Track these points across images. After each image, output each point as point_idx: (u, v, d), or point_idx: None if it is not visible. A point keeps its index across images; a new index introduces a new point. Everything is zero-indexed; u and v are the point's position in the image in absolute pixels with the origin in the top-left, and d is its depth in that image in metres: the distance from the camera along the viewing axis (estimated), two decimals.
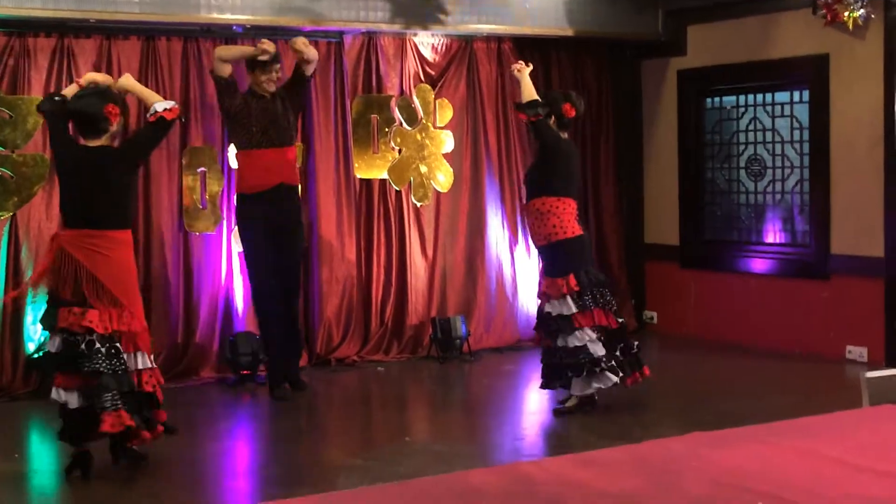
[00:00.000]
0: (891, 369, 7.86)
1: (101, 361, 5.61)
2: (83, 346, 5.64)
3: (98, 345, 5.64)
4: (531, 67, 7.34)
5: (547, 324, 7.11)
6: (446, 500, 4.69)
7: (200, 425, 7.10)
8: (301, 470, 6.06)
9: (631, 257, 10.21)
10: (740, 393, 7.74)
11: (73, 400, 5.75)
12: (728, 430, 5.77)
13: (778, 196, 9.24)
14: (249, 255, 7.78)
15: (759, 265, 9.32)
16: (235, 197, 7.95)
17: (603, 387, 7.02)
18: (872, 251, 8.30)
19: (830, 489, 4.57)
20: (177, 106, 6.06)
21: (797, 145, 9.04)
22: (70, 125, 6.06)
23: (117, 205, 5.89)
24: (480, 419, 7.48)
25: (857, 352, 8.43)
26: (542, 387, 7.29)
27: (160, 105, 5.94)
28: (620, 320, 7.14)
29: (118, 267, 5.82)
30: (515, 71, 7.31)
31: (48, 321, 5.83)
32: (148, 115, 6.01)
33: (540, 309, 7.23)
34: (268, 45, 7.52)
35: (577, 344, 6.94)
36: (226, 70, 7.57)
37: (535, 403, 7.65)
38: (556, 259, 7.08)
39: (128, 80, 6.23)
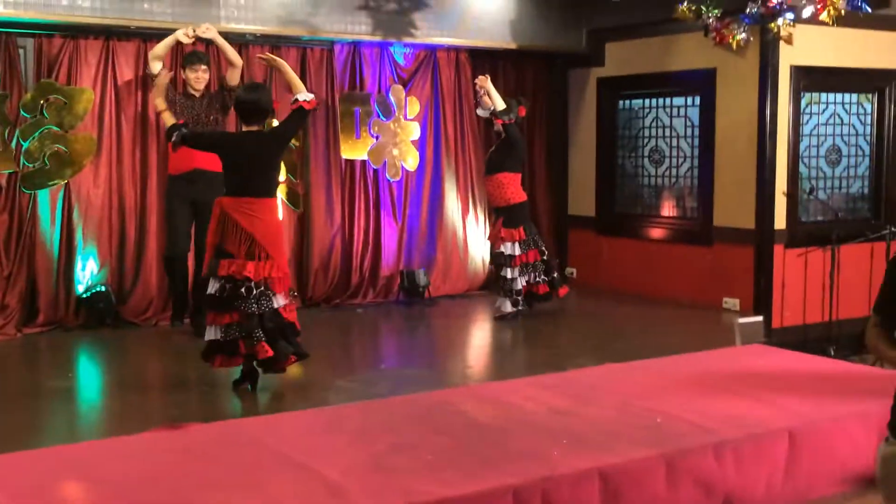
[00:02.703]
0: (757, 317, 8.03)
1: (253, 304, 5.58)
2: (242, 290, 5.57)
3: (254, 290, 5.59)
4: (488, 77, 8.00)
5: (499, 259, 7.99)
6: (414, 413, 4.76)
7: None
8: (299, 390, 6.06)
9: (557, 225, 10.26)
10: (642, 333, 7.84)
11: (215, 333, 5.68)
12: (633, 362, 5.89)
13: (673, 179, 9.32)
14: (168, 222, 7.43)
15: (657, 233, 9.42)
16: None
17: (517, 308, 7.94)
18: (746, 224, 8.40)
19: (715, 409, 4.69)
20: (314, 99, 5.92)
21: (689, 140, 9.11)
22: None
23: (268, 178, 5.79)
24: (439, 351, 7.54)
25: (731, 303, 8.54)
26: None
27: (301, 96, 5.79)
28: (545, 255, 8.08)
29: (268, 227, 5.71)
30: (479, 87, 8.00)
31: (212, 270, 5.67)
32: (291, 103, 5.86)
33: (493, 250, 8.13)
34: (191, 30, 6.98)
35: (510, 276, 7.87)
36: (156, 68, 7.03)
37: (481, 339, 7.73)
38: (513, 216, 7.92)
39: (280, 63, 6.03)
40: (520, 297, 7.94)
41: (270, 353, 5.67)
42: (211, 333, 5.72)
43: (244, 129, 5.85)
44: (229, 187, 5.75)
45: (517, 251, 7.89)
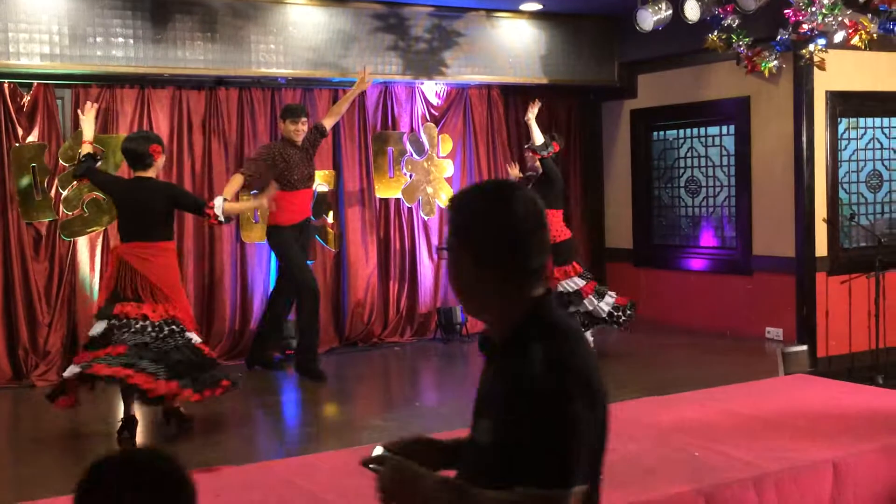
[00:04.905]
0: (801, 346, 7.86)
1: (148, 336, 5.55)
2: (137, 326, 5.56)
3: (150, 328, 5.58)
4: (539, 105, 7.84)
5: (564, 300, 7.49)
6: None
7: (251, 393, 7.06)
8: (332, 429, 6.03)
9: (594, 258, 10.15)
10: (681, 365, 7.70)
11: (74, 370, 5.59)
12: (672, 395, 5.76)
13: (710, 209, 9.20)
14: (294, 262, 7.32)
15: (696, 264, 9.29)
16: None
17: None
18: (786, 252, 8.26)
19: (756, 441, 4.55)
20: (219, 220, 6.05)
21: (725, 169, 9.01)
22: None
23: (160, 223, 5.85)
24: (475, 388, 7.43)
25: (774, 332, 8.37)
26: None
27: (218, 203, 6.02)
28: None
29: (163, 269, 5.78)
30: (528, 119, 7.73)
31: (105, 312, 5.71)
32: (208, 202, 6.10)
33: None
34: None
35: (591, 307, 7.58)
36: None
37: None
38: (560, 253, 7.53)
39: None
40: (622, 316, 7.69)
41: (168, 389, 5.47)
42: (72, 371, 5.59)
43: (135, 175, 5.95)
44: (124, 233, 5.86)
45: (581, 283, 7.61)
